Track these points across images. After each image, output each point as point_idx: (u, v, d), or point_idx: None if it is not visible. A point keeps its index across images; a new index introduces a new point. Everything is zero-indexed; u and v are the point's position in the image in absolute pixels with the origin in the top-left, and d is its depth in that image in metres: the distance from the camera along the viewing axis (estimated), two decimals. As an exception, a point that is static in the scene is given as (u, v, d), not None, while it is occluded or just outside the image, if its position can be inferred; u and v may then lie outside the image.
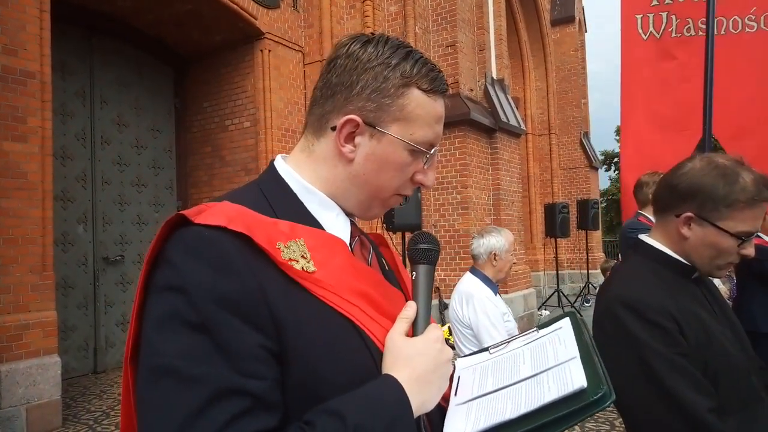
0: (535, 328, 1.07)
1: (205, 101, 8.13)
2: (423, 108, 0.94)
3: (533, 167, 14.73)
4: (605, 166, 35.61)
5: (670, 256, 1.46)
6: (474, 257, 3.22)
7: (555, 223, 11.43)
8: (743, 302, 4.53)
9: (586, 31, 17.38)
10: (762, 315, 4.23)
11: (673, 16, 3.35)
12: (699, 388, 1.27)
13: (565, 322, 1.02)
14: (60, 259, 6.30)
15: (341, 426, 0.74)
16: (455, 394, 0.96)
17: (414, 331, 0.91)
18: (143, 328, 0.79)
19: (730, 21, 3.30)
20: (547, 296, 12.20)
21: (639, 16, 3.49)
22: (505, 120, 9.56)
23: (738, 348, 1.42)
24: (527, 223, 13.49)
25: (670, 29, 3.27)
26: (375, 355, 0.87)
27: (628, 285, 1.43)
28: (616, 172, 36.53)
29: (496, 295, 3.16)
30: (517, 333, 3.10)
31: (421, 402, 0.84)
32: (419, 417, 0.85)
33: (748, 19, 3.29)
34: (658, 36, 3.38)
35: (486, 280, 3.15)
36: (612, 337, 1.36)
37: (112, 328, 7.21)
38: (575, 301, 11.66)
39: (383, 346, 0.88)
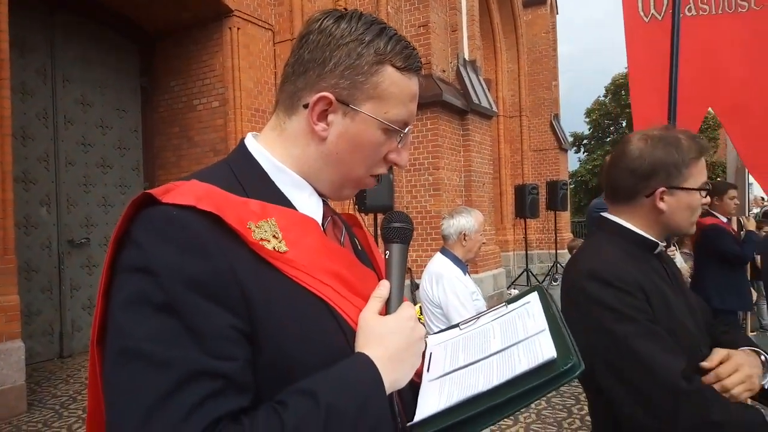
0: (504, 304, 1.09)
1: (173, 80, 7.94)
2: (397, 86, 0.92)
3: (504, 149, 14.86)
4: (574, 148, 36.14)
5: (634, 232, 1.51)
6: (444, 237, 3.25)
7: (525, 204, 11.59)
8: (699, 280, 4.72)
9: (557, 14, 17.48)
10: (715, 292, 4.42)
11: None
12: (670, 351, 1.32)
13: (533, 297, 1.04)
14: (23, 243, 6.13)
15: (314, 405, 0.74)
16: (428, 371, 0.97)
17: (387, 309, 0.91)
18: (110, 310, 0.78)
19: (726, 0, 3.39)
20: (516, 276, 12.42)
21: None
22: (477, 102, 9.60)
23: (691, 321, 1.48)
24: (498, 204, 13.65)
25: (671, 10, 3.30)
26: (348, 334, 0.87)
27: (595, 259, 1.47)
28: (585, 153, 37.16)
29: (465, 274, 3.21)
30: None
31: (394, 379, 0.84)
32: (391, 395, 0.86)
33: None
34: (659, 17, 3.44)
35: (456, 260, 3.19)
36: (582, 309, 1.39)
37: (78, 312, 7.08)
38: (543, 281, 11.90)
39: (356, 325, 0.88)
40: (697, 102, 3.55)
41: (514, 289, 11.40)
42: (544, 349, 0.83)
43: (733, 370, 1.31)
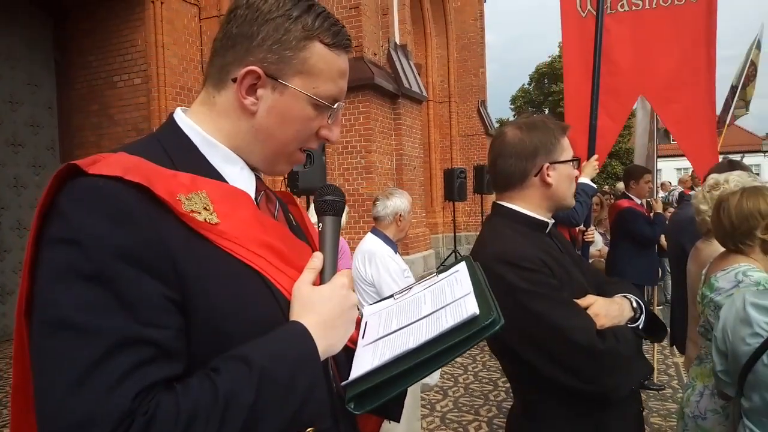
0: (435, 273, 1.17)
1: (91, 55, 7.50)
2: (326, 62, 0.93)
3: (434, 134, 15.12)
4: (501, 134, 37.16)
5: (525, 214, 1.67)
6: (378, 218, 3.32)
7: (453, 187, 11.86)
8: (615, 258, 5.07)
9: (485, 1, 17.85)
10: (630, 270, 4.77)
11: None
12: (581, 316, 1.48)
13: (462, 266, 1.12)
14: None
15: (246, 370, 0.76)
16: (362, 337, 1.02)
17: (321, 280, 0.95)
18: (36, 282, 0.76)
19: None
20: (445, 257, 12.76)
21: None
22: (407, 86, 9.71)
23: (586, 283, 1.66)
24: (427, 188, 13.90)
25: (605, 6, 3.58)
26: (282, 304, 0.89)
27: (499, 243, 1.60)
28: (511, 139, 38.30)
29: (396, 253, 3.30)
30: (416, 289, 3.27)
31: (327, 345, 0.87)
32: (326, 360, 0.89)
33: None
34: (594, 12, 3.69)
35: (387, 240, 3.28)
36: (496, 292, 1.49)
37: (-11, 299, 6.64)
38: (471, 262, 12.27)
39: (290, 296, 0.89)
40: (629, 91, 3.87)
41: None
42: (468, 307, 0.90)
43: (587, 306, 1.52)
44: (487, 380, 5.24)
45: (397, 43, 10.29)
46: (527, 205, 1.66)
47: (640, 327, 1.56)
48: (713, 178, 2.64)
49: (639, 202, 5.10)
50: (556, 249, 1.67)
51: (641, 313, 1.58)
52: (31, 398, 0.75)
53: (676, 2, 3.75)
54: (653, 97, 3.99)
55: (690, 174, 8.19)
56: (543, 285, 1.48)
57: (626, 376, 1.47)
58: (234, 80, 0.92)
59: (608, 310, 1.51)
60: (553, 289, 1.49)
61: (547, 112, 36.45)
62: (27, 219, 7.14)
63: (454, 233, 12.83)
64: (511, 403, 4.53)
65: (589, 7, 3.89)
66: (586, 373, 1.43)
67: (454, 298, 0.98)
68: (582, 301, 1.52)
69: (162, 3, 7.14)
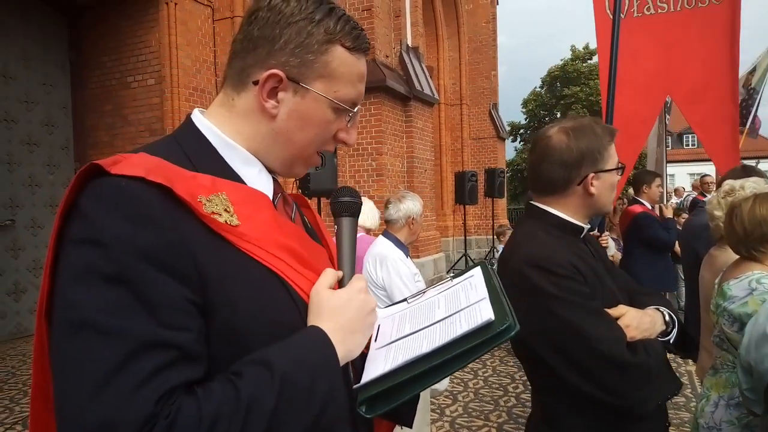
0: (450, 278, 1.16)
1: (105, 55, 7.56)
2: (347, 66, 0.94)
3: (445, 136, 15.08)
4: (511, 137, 37.13)
5: (562, 218, 1.62)
6: (389, 222, 3.31)
7: (464, 190, 11.83)
8: (628, 265, 5.02)
9: (497, 4, 17.80)
10: (647, 278, 4.71)
11: None
12: (612, 326, 1.44)
13: (476, 271, 1.11)
14: (-62, 224, 5.73)
15: (268, 375, 0.76)
16: (375, 341, 1.01)
17: (339, 283, 0.94)
18: (57, 282, 0.76)
19: None
20: (455, 260, 12.71)
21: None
22: (419, 88, 9.69)
23: (618, 292, 1.62)
24: (438, 191, 13.87)
25: (632, 10, 3.71)
26: (300, 307, 0.88)
27: (533, 247, 1.55)
28: (522, 143, 38.24)
29: (407, 257, 3.28)
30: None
31: (347, 350, 0.87)
32: (346, 364, 0.89)
33: None
34: (623, 15, 3.74)
35: (398, 243, 3.27)
36: (528, 297, 1.47)
37: (3, 297, 6.71)
38: (481, 265, 12.22)
39: (308, 298, 0.89)
40: (657, 92, 3.89)
41: (453, 273, 11.67)
42: (483, 313, 0.89)
43: (618, 316, 1.49)
44: (497, 385, 5.20)
45: (409, 45, 10.28)
46: (565, 210, 1.62)
47: (671, 341, 1.52)
48: (728, 184, 2.61)
49: (650, 207, 5.05)
50: (590, 255, 1.63)
51: (673, 328, 1.54)
52: (50, 398, 0.74)
53: (699, 4, 3.77)
54: (679, 98, 4.02)
55: (700, 179, 8.11)
56: (574, 292, 1.45)
57: (654, 390, 1.43)
58: (255, 83, 0.92)
59: (640, 322, 1.47)
60: (584, 296, 1.46)
61: (559, 115, 36.29)
62: (41, 218, 7.20)
63: (465, 237, 12.79)
64: (521, 409, 4.52)
65: (616, 9, 3.95)
66: (612, 385, 1.40)
67: (469, 303, 0.96)
68: (613, 311, 1.49)
69: (176, 4, 7.19)
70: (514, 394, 4.93)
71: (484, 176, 13.19)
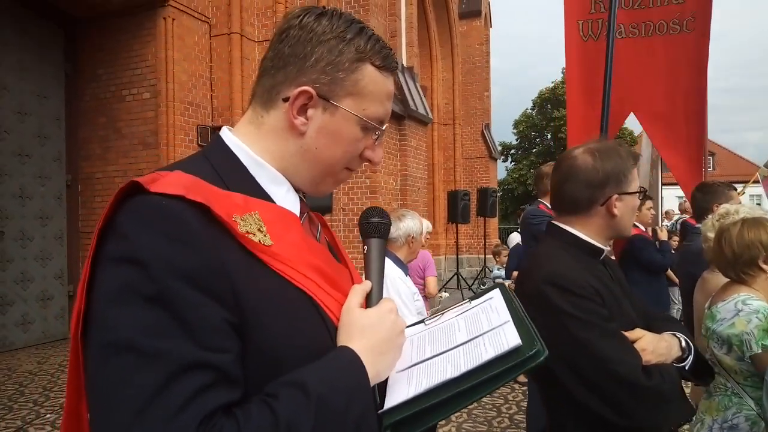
0: (468, 300, 1.14)
1: (100, 68, 7.56)
2: (376, 84, 0.94)
3: (438, 155, 15.17)
4: (503, 157, 37.43)
5: (583, 239, 1.63)
6: (389, 240, 3.30)
7: (457, 209, 11.88)
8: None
9: (491, 27, 18.07)
10: (644, 299, 4.72)
11: (606, 23, 3.93)
12: (628, 350, 1.44)
13: (496, 293, 1.10)
14: (-74, 235, 5.64)
15: (304, 397, 0.75)
16: None
17: (368, 303, 0.93)
18: (94, 302, 0.75)
19: (657, 24, 3.93)
20: (447, 279, 12.70)
21: (581, 22, 4.09)
22: (414, 108, 9.77)
23: (635, 316, 1.63)
24: (431, 209, 13.91)
25: (604, 33, 3.77)
26: (330, 328, 0.88)
27: (553, 266, 1.56)
28: (513, 163, 38.54)
29: (406, 275, 3.27)
30: (425, 312, 3.26)
31: (376, 372, 0.86)
32: (373, 387, 0.87)
33: (672, 22, 3.90)
34: (596, 39, 3.95)
35: (398, 262, 3.25)
36: (545, 315, 1.46)
37: (-11, 310, 6.58)
38: (473, 284, 12.23)
39: (337, 319, 0.89)
40: (621, 105, 4.02)
41: (445, 292, 11.65)
42: (509, 338, 0.88)
43: (635, 339, 1.50)
44: (491, 406, 5.16)
45: (404, 65, 10.38)
46: (587, 231, 1.63)
47: (687, 368, 1.53)
48: (724, 207, 2.64)
49: (644, 229, 5.08)
50: (608, 277, 1.63)
51: (689, 354, 1.54)
52: (83, 421, 0.73)
53: (671, 32, 3.92)
54: (643, 116, 4.15)
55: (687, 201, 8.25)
56: (592, 313, 1.45)
57: (666, 415, 1.44)
58: (285, 100, 0.92)
59: (656, 347, 1.48)
60: (602, 318, 1.46)
61: (549, 137, 36.70)
62: (30, 230, 7.11)
63: (457, 255, 12.81)
64: (514, 430, 4.47)
65: (590, 32, 4.10)
66: (626, 408, 1.40)
67: (492, 326, 0.95)
68: (630, 335, 1.49)
69: (173, 20, 7.22)
70: (507, 415, 4.90)
71: (477, 195, 13.26)
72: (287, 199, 0.95)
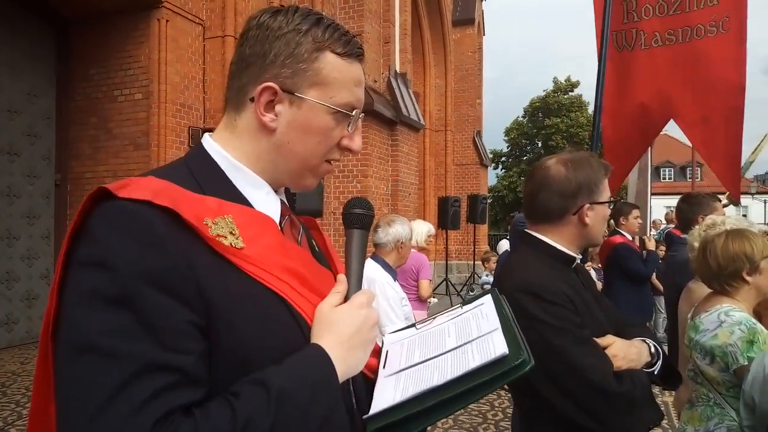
0: (460, 305, 1.15)
1: (92, 68, 7.51)
2: (339, 71, 0.94)
3: (429, 161, 15.23)
4: (493, 164, 37.59)
5: (556, 248, 1.66)
6: (378, 245, 3.32)
7: (447, 215, 11.91)
8: (609, 295, 5.08)
9: (484, 35, 18.19)
10: (626, 307, 4.77)
11: (642, 32, 3.98)
12: (600, 356, 1.47)
13: (487, 299, 1.11)
14: None
15: (264, 393, 0.76)
16: (383, 367, 1.00)
17: (346, 297, 0.94)
18: (63, 304, 0.77)
19: (695, 28, 3.88)
20: (437, 285, 12.73)
21: (614, 33, 4.04)
22: (406, 114, 9.80)
23: (606, 322, 1.66)
24: (421, 215, 13.93)
25: (639, 43, 3.85)
26: (305, 330, 0.88)
27: (526, 274, 1.59)
28: (503, 170, 38.74)
29: (395, 280, 3.29)
30: (413, 318, 3.28)
31: (347, 366, 0.86)
32: (347, 382, 0.88)
33: (710, 24, 3.86)
34: (630, 49, 3.94)
35: (387, 267, 3.27)
36: (518, 322, 1.48)
37: (-26, 310, 6.51)
38: (461, 290, 12.26)
39: (312, 321, 0.89)
40: (661, 113, 4.00)
41: (434, 297, 11.67)
42: (497, 346, 0.89)
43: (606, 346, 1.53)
44: (476, 413, 5.17)
45: (398, 71, 10.43)
46: (560, 239, 1.66)
47: (656, 373, 1.56)
48: (710, 218, 2.69)
49: (630, 238, 5.14)
50: (581, 285, 1.67)
51: (658, 359, 1.58)
52: (49, 422, 0.75)
53: (708, 35, 3.88)
54: (683, 120, 4.06)
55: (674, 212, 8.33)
56: (565, 320, 1.48)
57: (637, 419, 1.48)
58: (252, 100, 0.93)
59: (627, 353, 1.51)
60: (574, 325, 1.49)
61: (540, 144, 36.93)
62: (17, 228, 7.05)
63: (446, 261, 12.83)
64: (507, 423, 4.47)
65: (624, 42, 4.07)
66: (598, 413, 1.43)
67: (480, 333, 0.96)
68: (601, 341, 1.52)
69: (167, 21, 7.20)
70: (493, 422, 4.91)
71: (467, 202, 13.30)
72: (267, 202, 0.96)
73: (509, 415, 4.92)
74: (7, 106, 6.92)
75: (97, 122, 7.48)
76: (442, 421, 4.90)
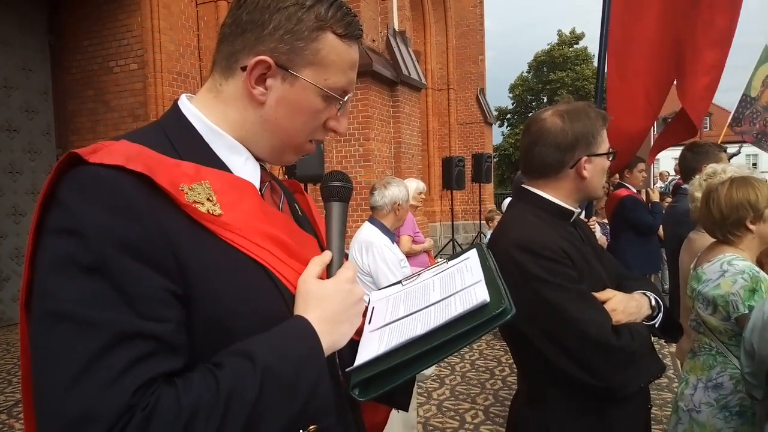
0: (445, 260, 1.15)
1: (86, 39, 7.41)
2: (337, 54, 0.92)
3: (432, 121, 15.04)
4: (498, 122, 37.15)
5: (554, 202, 1.63)
6: (375, 208, 3.31)
7: (452, 176, 11.84)
8: (617, 249, 5.06)
9: (484, -13, 17.68)
10: (633, 260, 4.76)
11: None
12: (599, 310, 1.46)
13: (472, 253, 1.10)
14: None
15: (250, 366, 0.75)
16: (369, 323, 1.00)
17: (328, 272, 0.93)
18: (36, 273, 0.75)
19: None
20: (443, 245, 12.78)
21: None
22: (406, 73, 9.64)
23: (606, 276, 1.64)
24: (426, 176, 13.86)
25: None
26: (287, 297, 0.87)
27: (522, 230, 1.56)
28: (509, 128, 38.31)
29: (393, 243, 3.29)
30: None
31: (332, 341, 0.86)
32: (332, 354, 0.88)
33: None
34: None
35: (384, 229, 3.27)
36: (516, 280, 1.46)
37: (-15, 286, 6.62)
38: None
39: (295, 289, 0.88)
40: (668, 77, 3.75)
41: (440, 258, 11.72)
42: (478, 295, 0.88)
43: (605, 300, 1.52)
44: (483, 369, 5.25)
45: (396, 29, 10.20)
46: (557, 194, 1.62)
47: (656, 326, 1.55)
48: (711, 167, 2.64)
49: (635, 191, 5.09)
50: (579, 239, 1.64)
51: (659, 312, 1.56)
52: None
53: None
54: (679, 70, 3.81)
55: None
56: (561, 275, 1.46)
57: (637, 373, 1.47)
58: (243, 69, 0.90)
59: (626, 306, 1.49)
60: (571, 280, 1.47)
61: (545, 100, 36.36)
62: (23, 205, 7.10)
63: (452, 222, 12.83)
64: (507, 392, 4.57)
65: None
66: (596, 368, 1.42)
67: (464, 285, 0.96)
68: (600, 295, 1.51)
69: (158, -13, 7.05)
70: (500, 377, 4.99)
71: (472, 161, 13.20)
72: (246, 167, 0.94)
73: (509, 384, 4.99)
74: (3, 82, 6.88)
75: (94, 95, 7.43)
76: (449, 377, 5.00)
